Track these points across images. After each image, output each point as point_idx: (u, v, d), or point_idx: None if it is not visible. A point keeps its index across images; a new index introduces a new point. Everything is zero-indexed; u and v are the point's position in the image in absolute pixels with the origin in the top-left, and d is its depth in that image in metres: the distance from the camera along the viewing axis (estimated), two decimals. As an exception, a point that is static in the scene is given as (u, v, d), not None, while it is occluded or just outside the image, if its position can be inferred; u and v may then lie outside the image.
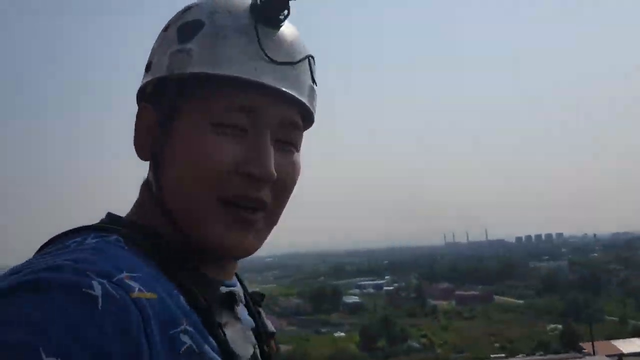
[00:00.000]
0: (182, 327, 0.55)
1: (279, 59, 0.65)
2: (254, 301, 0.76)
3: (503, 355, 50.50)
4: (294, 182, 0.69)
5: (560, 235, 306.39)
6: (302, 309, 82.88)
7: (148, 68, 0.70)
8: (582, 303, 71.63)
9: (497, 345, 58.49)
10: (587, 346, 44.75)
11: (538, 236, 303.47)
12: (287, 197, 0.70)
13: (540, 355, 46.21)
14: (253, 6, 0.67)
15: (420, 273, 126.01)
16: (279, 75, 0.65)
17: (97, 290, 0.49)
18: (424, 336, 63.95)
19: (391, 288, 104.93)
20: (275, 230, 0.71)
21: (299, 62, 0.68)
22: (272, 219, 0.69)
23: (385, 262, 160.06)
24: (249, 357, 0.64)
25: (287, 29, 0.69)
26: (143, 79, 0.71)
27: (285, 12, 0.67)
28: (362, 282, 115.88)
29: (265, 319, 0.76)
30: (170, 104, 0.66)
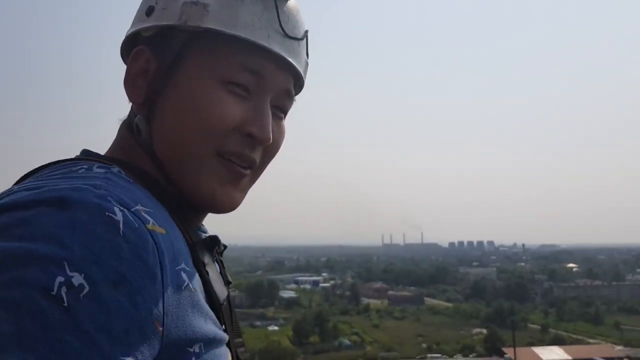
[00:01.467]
0: (182, 265, 0.57)
1: (289, 33, 0.69)
2: (218, 250, 0.78)
3: (439, 355, 52.13)
4: (279, 147, 0.74)
5: (491, 243, 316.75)
6: (238, 301, 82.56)
7: (149, 13, 0.69)
8: (507, 310, 74.64)
9: (424, 345, 60.21)
10: (509, 351, 46.86)
11: (470, 243, 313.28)
12: (271, 160, 0.74)
13: (472, 357, 48.09)
14: None
15: (356, 272, 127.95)
16: (287, 47, 0.69)
17: (119, 216, 0.51)
18: (355, 333, 65.04)
19: (327, 285, 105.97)
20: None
21: (303, 38, 0.73)
22: (254, 178, 0.73)
23: (324, 259, 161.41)
24: (224, 298, 0.67)
25: (292, 1, 0.71)
26: (139, 22, 0.70)
27: None
28: (300, 278, 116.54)
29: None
30: (177, 54, 0.67)
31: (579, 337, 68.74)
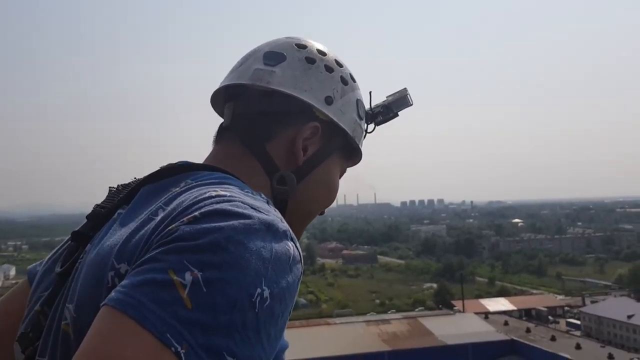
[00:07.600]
0: None
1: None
2: None
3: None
4: None
5: (441, 201, 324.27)
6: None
7: (329, 102, 0.86)
8: (456, 265, 77.03)
9: (377, 301, 61.76)
10: (458, 304, 48.72)
11: (421, 201, 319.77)
12: None
13: (419, 310, 49.65)
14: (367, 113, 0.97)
15: (311, 232, 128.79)
16: None
17: (292, 249, 0.65)
18: (311, 292, 66.32)
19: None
20: None
21: None
22: None
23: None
24: None
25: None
26: (315, 100, 0.85)
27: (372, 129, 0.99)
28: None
29: None
30: (336, 145, 0.89)
31: (524, 288, 71.88)
